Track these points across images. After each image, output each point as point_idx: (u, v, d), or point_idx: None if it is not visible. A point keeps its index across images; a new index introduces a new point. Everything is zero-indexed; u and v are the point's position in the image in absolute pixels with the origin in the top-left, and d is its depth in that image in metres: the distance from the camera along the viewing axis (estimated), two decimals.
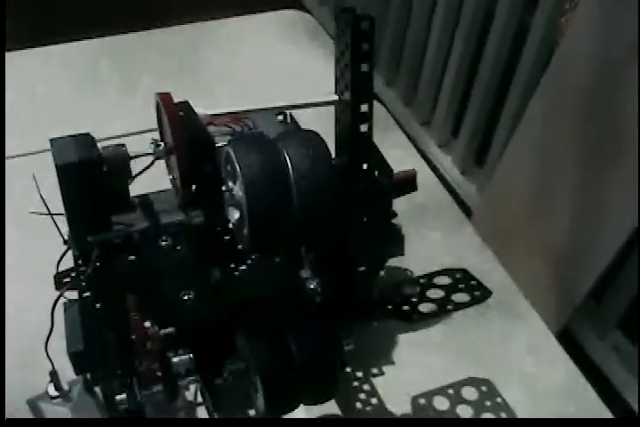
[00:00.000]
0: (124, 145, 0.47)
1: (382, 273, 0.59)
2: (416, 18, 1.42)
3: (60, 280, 0.66)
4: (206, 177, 0.46)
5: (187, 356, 0.57)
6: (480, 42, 1.30)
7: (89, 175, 0.46)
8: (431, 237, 0.75)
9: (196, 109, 0.49)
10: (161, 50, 0.98)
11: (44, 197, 0.54)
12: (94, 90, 0.93)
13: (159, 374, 0.56)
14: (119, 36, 0.99)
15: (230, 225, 0.50)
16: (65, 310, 0.63)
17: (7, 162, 0.85)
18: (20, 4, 1.31)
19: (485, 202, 1.04)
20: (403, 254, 0.60)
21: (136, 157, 0.47)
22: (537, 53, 1.15)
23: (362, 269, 0.55)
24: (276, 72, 0.93)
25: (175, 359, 0.57)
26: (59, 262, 0.63)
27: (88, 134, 0.47)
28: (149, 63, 0.97)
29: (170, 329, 0.57)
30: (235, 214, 0.47)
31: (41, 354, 0.61)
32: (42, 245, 0.64)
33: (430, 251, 0.72)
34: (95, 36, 0.99)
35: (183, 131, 0.44)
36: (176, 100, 0.47)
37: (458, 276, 0.61)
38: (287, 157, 0.47)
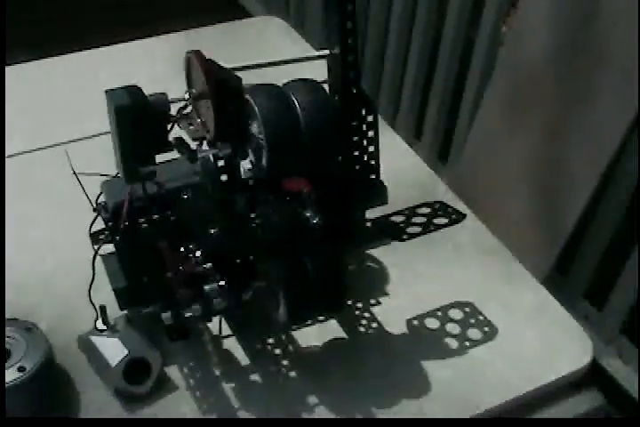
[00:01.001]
0: (164, 93, 0.59)
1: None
2: (375, 25, 1.56)
3: (96, 238, 0.76)
4: (234, 115, 0.57)
5: (216, 284, 0.68)
6: (434, 48, 1.45)
7: (139, 116, 0.57)
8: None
9: None
10: (155, 58, 1.09)
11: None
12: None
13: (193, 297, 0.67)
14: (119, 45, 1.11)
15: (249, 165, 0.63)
16: (104, 261, 0.74)
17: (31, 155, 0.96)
18: None
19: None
20: (386, 203, 0.72)
21: (174, 101, 0.59)
22: (485, 56, 1.29)
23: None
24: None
25: (207, 287, 0.67)
26: (91, 226, 0.74)
27: (136, 86, 0.58)
28: (145, 71, 1.07)
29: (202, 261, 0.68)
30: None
31: (80, 305, 0.71)
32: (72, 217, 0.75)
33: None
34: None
35: (215, 74, 0.56)
36: None
37: (436, 206, 0.73)
38: (294, 99, 0.60)
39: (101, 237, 0.76)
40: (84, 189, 0.73)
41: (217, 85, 0.56)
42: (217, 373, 0.73)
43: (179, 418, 0.70)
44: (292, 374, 0.73)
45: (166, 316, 0.66)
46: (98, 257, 0.73)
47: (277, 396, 0.71)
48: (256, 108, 0.59)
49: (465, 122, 1.42)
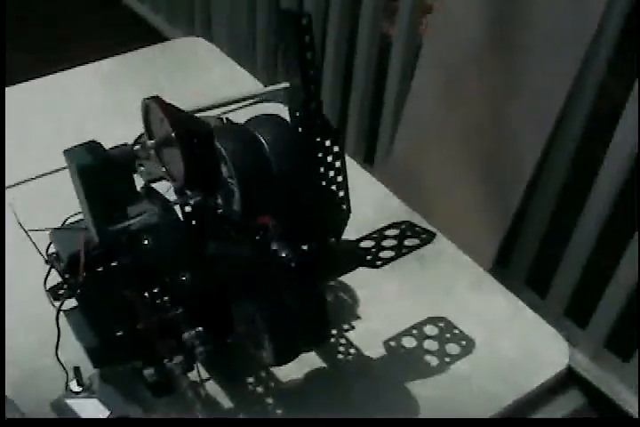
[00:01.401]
0: (126, 144, 0.56)
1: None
2: None
3: (55, 293, 0.72)
4: (204, 162, 0.55)
5: (194, 330, 0.65)
6: (351, 50, 1.44)
7: (104, 173, 0.54)
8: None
9: None
10: (74, 91, 1.05)
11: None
12: None
13: (175, 348, 0.64)
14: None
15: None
16: (68, 317, 0.70)
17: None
18: None
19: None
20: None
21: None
22: (404, 51, 1.29)
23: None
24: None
25: (185, 335, 0.65)
26: (46, 279, 0.70)
27: (94, 141, 0.55)
28: (71, 103, 1.03)
29: (175, 309, 0.65)
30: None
31: (46, 365, 0.68)
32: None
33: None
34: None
35: (181, 122, 0.53)
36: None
37: (403, 226, 0.72)
38: (261, 137, 0.58)
39: (61, 291, 0.72)
40: (34, 242, 0.70)
41: (184, 134, 0.54)
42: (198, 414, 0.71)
43: (179, 418, 0.68)
44: (279, 411, 0.72)
45: (149, 372, 0.63)
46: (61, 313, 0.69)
47: None
48: (223, 152, 0.56)
49: (389, 122, 1.42)
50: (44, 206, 0.87)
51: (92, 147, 0.54)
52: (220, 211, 0.62)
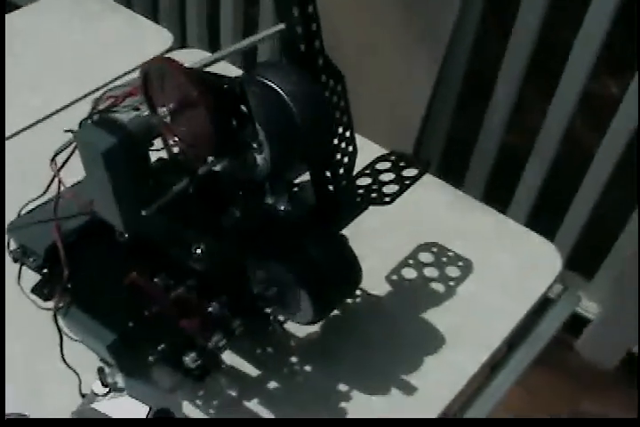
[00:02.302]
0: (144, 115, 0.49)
1: None
2: None
3: (42, 292, 0.65)
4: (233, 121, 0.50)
5: (217, 302, 0.61)
6: None
7: (131, 153, 0.47)
8: None
9: None
10: None
11: None
12: None
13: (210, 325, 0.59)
14: None
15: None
16: (68, 317, 0.63)
17: None
18: None
19: None
20: None
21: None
22: None
23: (341, 171, 0.61)
24: (97, 50, 0.92)
25: (210, 308, 0.60)
26: (19, 278, 0.63)
27: (105, 116, 0.48)
28: None
29: (192, 282, 0.60)
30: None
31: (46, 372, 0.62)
32: None
33: None
34: None
35: (199, 78, 0.47)
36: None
37: (392, 158, 0.69)
38: (276, 86, 0.53)
39: (45, 290, 0.65)
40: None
41: (206, 90, 0.48)
42: (233, 394, 0.67)
43: (178, 418, 0.63)
44: (307, 368, 0.69)
45: (191, 357, 0.58)
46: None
47: (304, 395, 0.67)
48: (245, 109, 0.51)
49: None
50: None
51: (109, 124, 0.47)
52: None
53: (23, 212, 0.65)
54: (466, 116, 1.28)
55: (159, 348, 0.60)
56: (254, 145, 0.52)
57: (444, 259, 0.77)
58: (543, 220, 1.24)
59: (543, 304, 0.78)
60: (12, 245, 0.64)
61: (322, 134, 0.55)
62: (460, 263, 0.76)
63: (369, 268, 0.75)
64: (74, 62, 0.89)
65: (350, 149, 0.61)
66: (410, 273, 0.76)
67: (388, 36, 1.17)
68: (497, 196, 1.23)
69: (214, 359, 0.60)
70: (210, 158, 0.52)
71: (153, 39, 0.93)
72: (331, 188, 0.62)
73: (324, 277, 0.60)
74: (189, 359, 0.58)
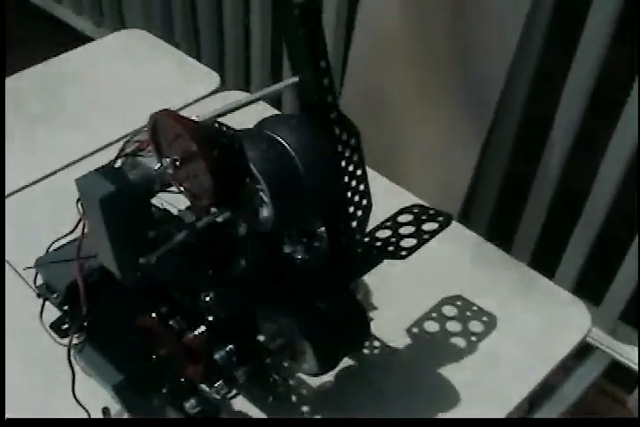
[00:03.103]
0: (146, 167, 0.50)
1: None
2: None
3: (59, 329, 0.66)
4: (232, 176, 0.50)
5: (224, 350, 0.61)
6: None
7: (128, 202, 0.49)
8: None
9: None
10: (17, 97, 0.97)
11: None
12: None
13: (213, 372, 0.60)
14: None
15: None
16: (79, 354, 0.64)
17: None
18: None
19: None
20: None
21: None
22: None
23: (354, 225, 0.61)
24: (146, 90, 0.95)
25: (217, 356, 0.61)
26: (41, 314, 0.65)
27: (110, 166, 0.50)
28: (16, 112, 0.95)
29: (202, 329, 0.61)
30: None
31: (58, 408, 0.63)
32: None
33: None
34: None
35: (200, 133, 0.48)
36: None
37: (416, 211, 0.69)
38: (283, 141, 0.53)
39: (64, 326, 0.66)
40: (22, 277, 0.64)
41: (207, 146, 0.49)
42: None
43: (179, 418, 0.63)
44: (317, 417, 0.68)
45: (190, 404, 0.59)
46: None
47: None
48: (249, 162, 0.51)
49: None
50: (13, 232, 0.81)
51: (111, 173, 0.48)
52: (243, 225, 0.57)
53: (52, 249, 0.67)
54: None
55: (163, 391, 0.60)
56: (258, 198, 0.53)
57: (468, 313, 0.75)
58: (592, 281, 1.22)
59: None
60: (39, 281, 0.66)
61: (329, 188, 0.55)
62: (484, 318, 0.75)
63: (389, 319, 0.75)
64: (120, 102, 0.92)
65: (364, 202, 0.61)
66: (431, 326, 0.75)
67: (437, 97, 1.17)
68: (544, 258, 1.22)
69: (214, 407, 0.59)
70: (213, 210, 0.53)
71: (200, 81, 0.96)
72: (344, 240, 0.62)
73: (329, 331, 0.60)
74: (189, 405, 0.59)
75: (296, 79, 0.56)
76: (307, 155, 0.53)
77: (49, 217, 0.79)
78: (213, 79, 0.96)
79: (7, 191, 0.85)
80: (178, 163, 0.51)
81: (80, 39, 1.68)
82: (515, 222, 1.33)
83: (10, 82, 0.97)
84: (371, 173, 0.89)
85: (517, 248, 1.33)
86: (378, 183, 0.87)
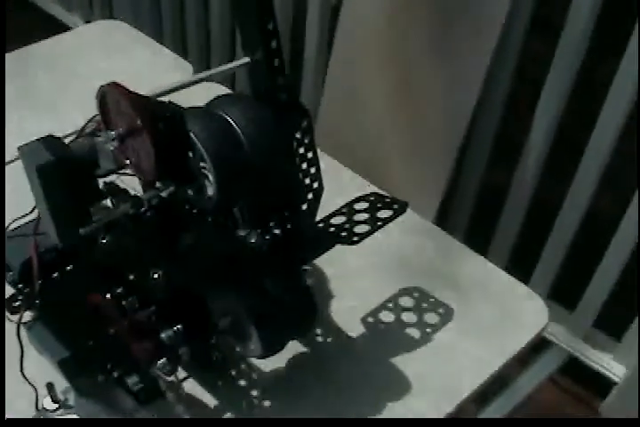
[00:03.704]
0: (87, 138, 0.51)
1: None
2: None
3: (11, 305, 0.66)
4: (175, 150, 0.51)
5: (172, 329, 0.61)
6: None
7: (66, 172, 0.49)
8: None
9: None
10: None
11: None
12: None
13: (156, 350, 0.60)
14: None
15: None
16: (29, 330, 0.65)
17: None
18: None
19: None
20: None
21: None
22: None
23: (304, 208, 0.61)
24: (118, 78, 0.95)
25: (163, 335, 0.61)
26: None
27: (51, 136, 0.50)
28: None
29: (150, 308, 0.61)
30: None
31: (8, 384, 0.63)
32: None
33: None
34: None
35: (145, 107, 0.48)
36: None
37: (372, 198, 0.69)
38: (230, 119, 0.53)
39: (17, 303, 0.66)
40: None
41: (152, 119, 0.49)
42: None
43: (179, 418, 0.65)
44: (266, 403, 0.68)
45: (132, 380, 0.59)
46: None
47: None
48: (193, 137, 0.52)
49: (310, 88, 1.38)
50: None
51: (51, 142, 0.49)
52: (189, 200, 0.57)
53: (11, 228, 0.67)
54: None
55: (107, 368, 0.61)
56: (203, 175, 0.53)
57: (425, 305, 0.75)
58: (569, 281, 1.22)
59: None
60: None
61: (274, 167, 0.55)
62: (441, 310, 0.75)
63: (346, 307, 0.75)
64: (91, 89, 0.92)
65: (315, 185, 0.62)
66: (387, 316, 0.75)
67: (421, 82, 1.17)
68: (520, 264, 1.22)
69: (156, 384, 0.60)
70: (157, 184, 0.53)
71: (173, 69, 0.96)
72: (294, 223, 0.62)
73: (275, 313, 0.60)
74: (131, 381, 0.59)
75: (247, 60, 0.56)
76: (253, 133, 0.53)
77: (15, 198, 0.79)
78: (186, 68, 0.96)
79: None
80: (122, 135, 0.51)
81: None
82: (491, 227, 1.33)
83: None
84: (337, 165, 0.91)
85: (493, 253, 1.33)
86: (344, 175, 0.89)
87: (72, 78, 0.97)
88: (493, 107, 1.16)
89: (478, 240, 0.98)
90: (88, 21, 1.77)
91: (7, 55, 0.99)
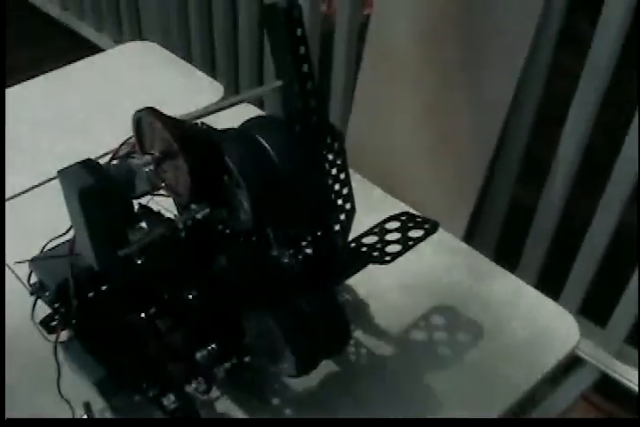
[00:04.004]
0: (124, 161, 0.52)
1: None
2: None
3: (48, 325, 0.67)
4: (210, 173, 0.52)
5: (206, 349, 0.62)
6: None
7: (106, 195, 0.50)
8: None
9: None
10: (24, 104, 0.99)
11: None
12: None
13: (192, 370, 0.61)
14: None
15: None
16: (65, 349, 0.66)
17: None
18: None
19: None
20: None
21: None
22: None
23: (337, 228, 0.62)
24: (150, 99, 0.97)
25: (198, 355, 0.61)
26: (33, 311, 0.66)
27: (90, 159, 0.51)
28: (23, 119, 0.98)
29: (185, 328, 0.62)
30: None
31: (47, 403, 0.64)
32: None
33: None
34: None
35: (182, 132, 0.50)
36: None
37: (403, 218, 0.70)
38: (263, 141, 0.54)
39: (53, 323, 0.68)
40: (16, 274, 0.66)
41: (188, 144, 0.50)
42: None
43: (179, 418, 0.64)
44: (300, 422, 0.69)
45: (169, 399, 0.60)
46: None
47: None
48: (229, 162, 0.53)
49: (338, 107, 1.39)
50: (13, 233, 0.82)
51: (90, 166, 0.50)
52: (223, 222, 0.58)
53: (47, 248, 0.68)
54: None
55: (143, 387, 0.61)
56: (237, 198, 0.54)
57: (456, 323, 0.76)
58: (599, 297, 1.21)
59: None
60: (33, 279, 0.67)
61: (309, 190, 0.56)
62: (472, 329, 0.75)
63: (377, 326, 0.75)
64: (124, 111, 0.93)
65: (348, 206, 0.62)
66: (418, 335, 0.75)
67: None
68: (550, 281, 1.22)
69: (191, 404, 0.60)
70: (193, 206, 0.54)
71: (205, 91, 0.98)
72: (327, 243, 0.62)
73: (309, 333, 0.60)
74: (167, 401, 0.60)
75: (280, 83, 0.57)
76: (286, 156, 0.54)
77: (49, 219, 0.81)
78: (217, 89, 0.98)
79: (10, 194, 0.87)
80: (158, 158, 0.52)
81: None
82: (520, 245, 1.33)
83: (18, 89, 1.00)
84: (366, 184, 0.92)
85: (522, 270, 1.33)
86: (375, 194, 0.90)
87: (104, 100, 0.98)
88: (522, 124, 1.17)
89: (507, 258, 0.99)
90: (117, 41, 1.80)
91: (42, 77, 1.01)
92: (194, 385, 0.60)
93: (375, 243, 0.68)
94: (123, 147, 0.59)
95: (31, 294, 0.67)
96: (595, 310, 1.29)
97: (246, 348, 0.62)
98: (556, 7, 1.01)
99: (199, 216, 0.54)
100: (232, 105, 0.56)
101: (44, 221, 0.83)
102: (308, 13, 1.30)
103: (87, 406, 0.63)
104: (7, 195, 0.87)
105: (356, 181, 0.87)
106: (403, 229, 0.68)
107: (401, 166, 1.22)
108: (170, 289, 0.63)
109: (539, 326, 0.76)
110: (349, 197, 0.62)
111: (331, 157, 0.60)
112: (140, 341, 0.63)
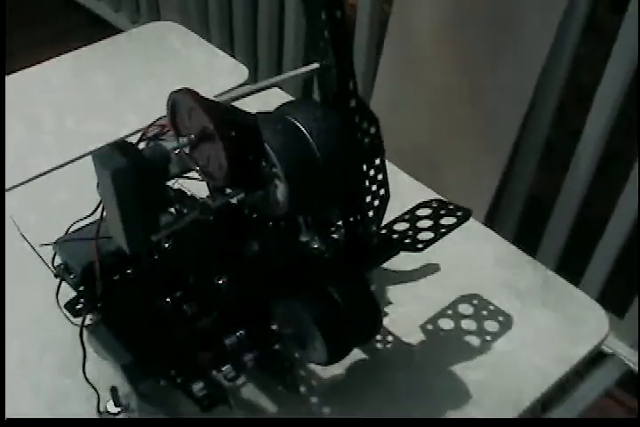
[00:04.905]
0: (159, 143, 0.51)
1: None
2: None
3: (74, 308, 0.66)
4: (248, 157, 0.50)
5: (235, 335, 0.61)
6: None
7: (141, 178, 0.49)
8: None
9: None
10: (49, 85, 0.98)
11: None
12: None
13: (221, 357, 0.60)
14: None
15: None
16: (91, 333, 0.65)
17: None
18: None
19: None
20: None
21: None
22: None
23: (370, 215, 0.61)
24: (174, 81, 0.96)
25: (227, 341, 0.61)
26: (57, 294, 0.65)
27: (125, 141, 0.50)
28: (46, 99, 0.96)
29: (214, 314, 0.61)
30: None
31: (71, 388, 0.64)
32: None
33: None
34: None
35: (220, 115, 0.48)
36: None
37: (435, 205, 0.68)
38: (301, 125, 0.53)
39: (78, 306, 0.67)
40: (40, 256, 0.65)
41: (226, 126, 0.49)
42: None
43: (180, 418, 0.64)
44: (326, 410, 0.68)
45: (198, 386, 0.59)
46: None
47: None
48: (267, 146, 0.51)
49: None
50: (36, 213, 0.82)
51: (125, 148, 0.49)
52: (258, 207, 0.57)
53: (72, 230, 0.67)
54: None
55: (171, 373, 0.61)
56: (273, 182, 0.53)
57: (484, 312, 0.75)
58: (618, 288, 1.20)
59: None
60: (57, 261, 0.66)
61: (345, 174, 0.55)
62: (500, 318, 0.74)
63: (405, 315, 0.74)
64: (147, 92, 0.93)
65: (382, 192, 0.61)
66: (446, 324, 0.74)
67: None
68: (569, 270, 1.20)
69: (222, 391, 0.59)
70: (227, 190, 0.53)
71: (229, 73, 0.96)
72: (360, 229, 0.61)
73: (340, 320, 0.59)
74: (197, 388, 0.59)
75: (317, 65, 0.56)
76: (324, 140, 0.53)
77: (72, 200, 0.80)
78: (242, 72, 0.96)
79: (33, 174, 0.86)
80: (194, 141, 0.51)
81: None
82: (539, 235, 1.32)
83: (40, 70, 0.99)
84: (392, 168, 0.90)
85: (541, 259, 1.31)
86: (400, 179, 0.88)
87: (128, 80, 0.97)
88: (543, 115, 1.15)
89: (525, 246, 0.98)
90: (134, 22, 1.78)
91: (65, 56, 1.00)
92: (223, 372, 0.59)
93: (406, 230, 0.66)
94: (151, 128, 0.58)
95: (55, 276, 0.66)
96: (613, 301, 1.27)
97: (276, 335, 0.61)
98: None
99: (234, 200, 0.53)
100: (268, 87, 0.55)
101: (68, 200, 0.83)
102: None
103: (114, 391, 0.62)
104: (30, 175, 0.85)
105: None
106: (434, 217, 0.67)
107: (422, 154, 1.21)
108: (198, 274, 0.62)
109: (568, 316, 0.75)
110: (384, 183, 0.60)
111: (366, 141, 0.59)
112: (169, 326, 0.62)
